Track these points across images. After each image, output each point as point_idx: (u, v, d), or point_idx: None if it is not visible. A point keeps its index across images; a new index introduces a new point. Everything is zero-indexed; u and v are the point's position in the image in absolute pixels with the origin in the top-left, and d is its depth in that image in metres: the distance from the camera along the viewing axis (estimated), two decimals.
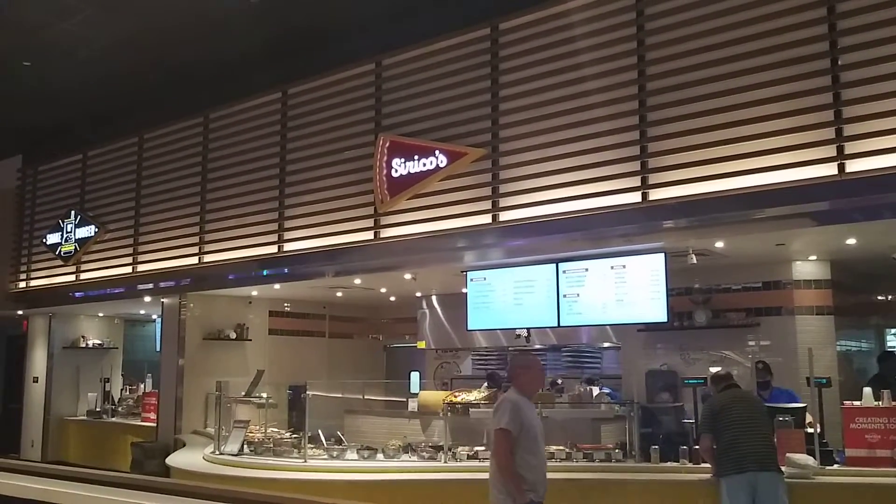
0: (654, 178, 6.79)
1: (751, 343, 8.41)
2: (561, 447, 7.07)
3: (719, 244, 7.29)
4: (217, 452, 8.18)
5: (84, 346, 13.57)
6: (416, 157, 8.12)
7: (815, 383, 6.61)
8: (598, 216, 7.01)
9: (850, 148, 5.94)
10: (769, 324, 8.33)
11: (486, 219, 7.69)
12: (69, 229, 12.24)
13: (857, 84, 5.95)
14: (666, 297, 7.22)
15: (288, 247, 9.26)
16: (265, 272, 9.61)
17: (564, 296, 7.76)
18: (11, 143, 13.57)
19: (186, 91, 10.64)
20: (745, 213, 6.42)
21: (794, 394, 7.37)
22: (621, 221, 6.93)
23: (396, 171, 8.24)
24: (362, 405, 9.83)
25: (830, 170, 5.98)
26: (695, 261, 7.44)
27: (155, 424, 10.92)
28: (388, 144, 8.36)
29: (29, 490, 4.41)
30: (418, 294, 11.04)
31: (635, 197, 6.85)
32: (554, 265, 7.82)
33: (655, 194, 6.76)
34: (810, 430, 6.32)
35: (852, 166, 5.91)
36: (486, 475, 6.77)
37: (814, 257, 8.22)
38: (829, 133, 6.03)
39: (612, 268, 7.52)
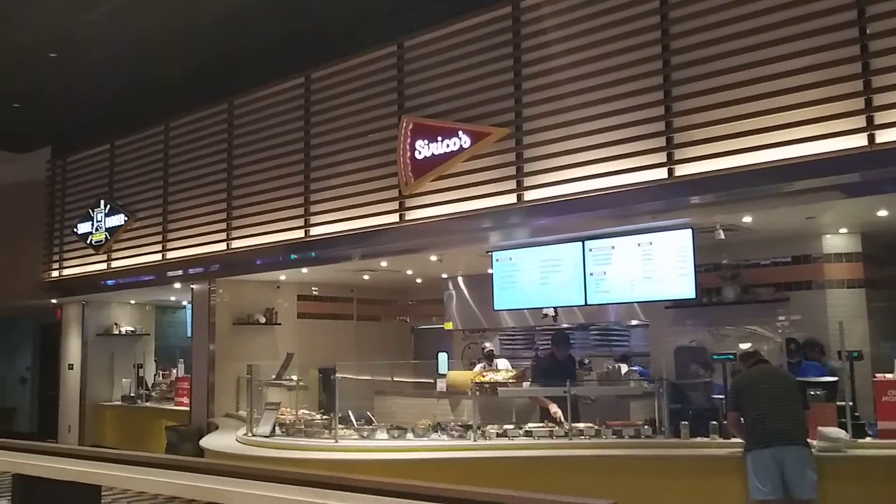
0: (680, 154, 6.73)
1: (781, 318, 8.33)
2: (590, 425, 7.09)
3: (747, 219, 7.21)
4: (250, 434, 8.30)
5: (117, 333, 13.79)
6: (439, 139, 8.11)
7: (847, 357, 6.56)
8: (623, 193, 6.97)
9: (879, 118, 5.84)
10: (799, 298, 8.24)
11: (511, 198, 7.67)
12: (99, 218, 12.40)
13: (886, 53, 5.83)
14: (694, 273, 7.16)
15: (314, 231, 9.32)
16: (293, 256, 9.69)
17: (591, 274, 7.73)
18: (40, 134, 13.78)
19: (210, 78, 10.71)
20: (774, 187, 6.35)
21: (819, 366, 7.32)
22: (647, 198, 6.89)
23: (420, 152, 8.25)
24: (391, 386, 9.89)
25: (860, 141, 5.89)
26: (722, 236, 7.38)
27: (188, 408, 11.09)
28: (411, 126, 8.36)
29: (67, 472, 4.53)
30: (444, 275, 11.08)
31: (661, 173, 6.80)
32: (580, 243, 7.79)
33: (682, 170, 6.71)
34: None
35: (882, 137, 5.82)
36: (515, 453, 6.89)
37: (844, 230, 8.10)
38: (859, 104, 5.93)
39: (638, 245, 7.46)
